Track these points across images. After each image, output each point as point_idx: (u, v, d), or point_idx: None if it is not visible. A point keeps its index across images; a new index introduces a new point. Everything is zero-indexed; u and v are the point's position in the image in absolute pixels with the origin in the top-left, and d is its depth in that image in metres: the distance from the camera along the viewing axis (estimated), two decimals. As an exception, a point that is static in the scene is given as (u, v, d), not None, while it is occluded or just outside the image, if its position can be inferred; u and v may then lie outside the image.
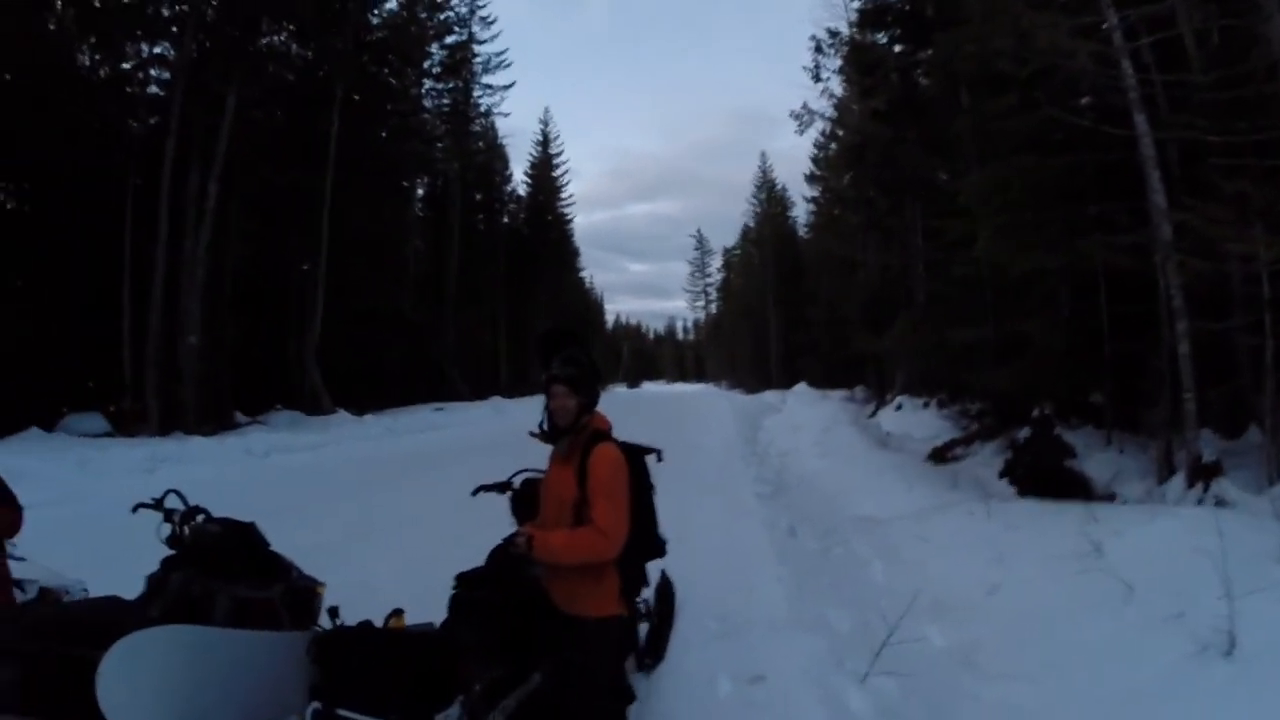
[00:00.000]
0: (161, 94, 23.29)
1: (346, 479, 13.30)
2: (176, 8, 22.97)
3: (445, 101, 41.36)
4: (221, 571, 4.10)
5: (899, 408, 20.97)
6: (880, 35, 22.88)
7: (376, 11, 30.48)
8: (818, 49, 25.17)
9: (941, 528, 8.58)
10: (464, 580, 3.77)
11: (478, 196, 45.11)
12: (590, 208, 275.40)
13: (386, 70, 31.67)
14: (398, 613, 3.96)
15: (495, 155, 47.62)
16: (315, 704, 2.84)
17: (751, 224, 68.02)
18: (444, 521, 8.14)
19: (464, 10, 41.29)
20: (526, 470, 4.25)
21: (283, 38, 25.86)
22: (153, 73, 24.03)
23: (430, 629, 3.66)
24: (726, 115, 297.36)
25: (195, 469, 13.80)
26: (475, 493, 3.89)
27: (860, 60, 23.50)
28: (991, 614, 6.12)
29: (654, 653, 4.88)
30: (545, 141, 55.87)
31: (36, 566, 4.87)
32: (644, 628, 4.86)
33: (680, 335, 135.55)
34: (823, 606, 6.34)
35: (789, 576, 7.00)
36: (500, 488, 4.17)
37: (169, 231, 21.08)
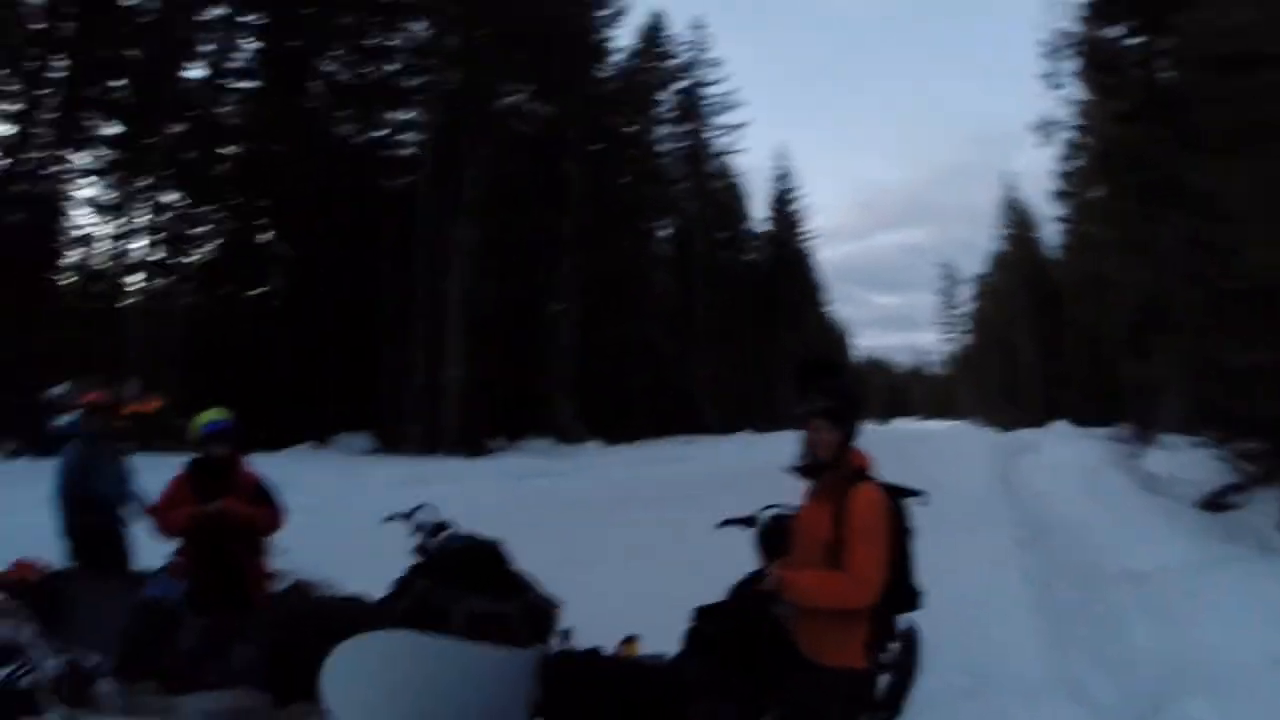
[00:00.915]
0: (413, 154, 25.86)
1: (594, 505, 13.56)
2: (420, 79, 25.55)
3: (682, 145, 42.47)
4: (462, 583, 4.31)
5: (1166, 446, 18.79)
6: (1115, 28, 20.82)
7: (606, 65, 32.03)
8: (1050, 53, 23.30)
9: (1214, 585, 7.52)
10: (703, 614, 3.68)
11: (719, 235, 45.72)
12: (836, 240, 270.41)
13: (621, 119, 33.02)
14: (631, 639, 3.96)
15: (733, 194, 48.20)
16: (534, 724, 2.86)
17: (999, 249, 64.09)
18: (686, 552, 8.03)
19: (689, 55, 42.61)
20: (775, 506, 4.09)
21: (519, 98, 27.79)
22: (402, 137, 27.16)
23: (662, 660, 3.59)
24: (966, 137, 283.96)
25: (450, 487, 14.39)
26: (721, 526, 3.80)
27: (1096, 59, 21.49)
28: (1274, 691, 5.25)
29: (891, 707, 4.53)
30: (782, 176, 55.76)
31: (296, 563, 5.31)
32: (884, 679, 4.55)
33: (930, 370, 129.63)
34: (1081, 669, 5.74)
35: (1044, 632, 6.45)
36: (746, 522, 4.05)
37: (429, 275, 23.22)
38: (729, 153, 45.66)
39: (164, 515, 4.51)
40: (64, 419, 17.17)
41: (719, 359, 41.84)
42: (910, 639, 5.06)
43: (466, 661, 2.85)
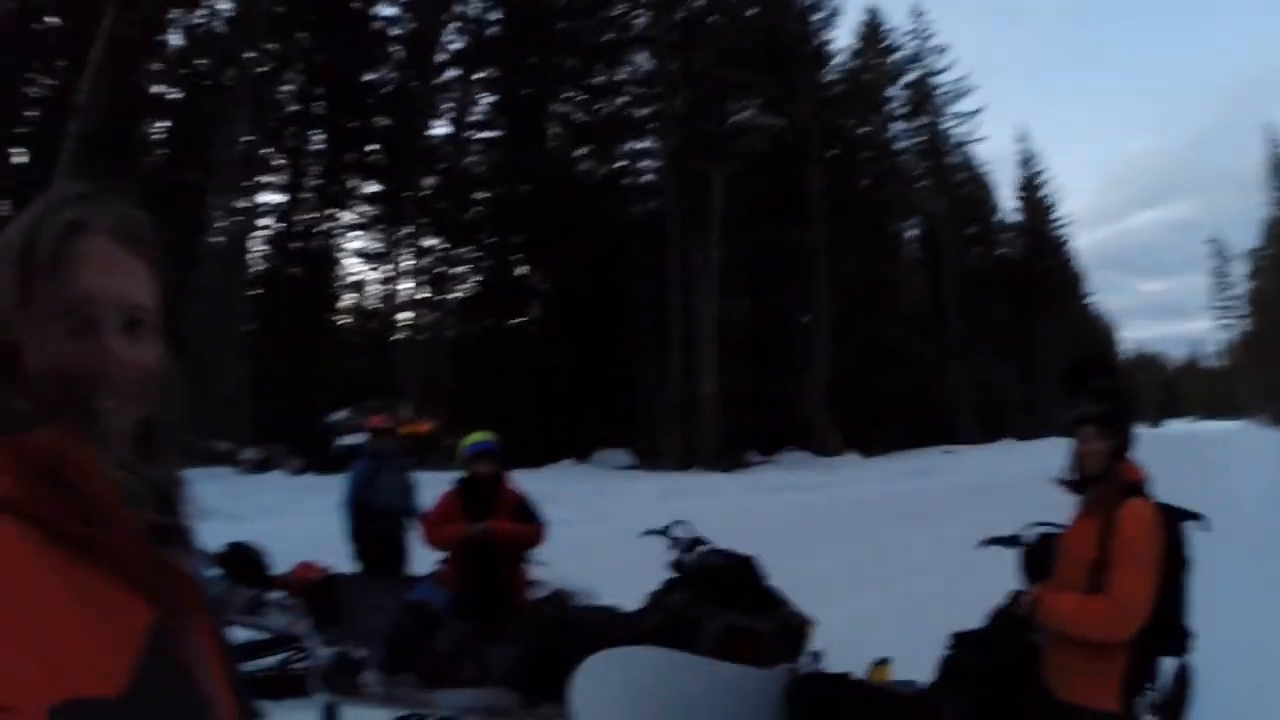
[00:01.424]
0: (653, 180, 26.65)
1: (849, 519, 13.19)
2: (650, 108, 26.39)
3: (919, 140, 40.58)
4: (717, 598, 4.31)
5: None
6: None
7: (830, 68, 31.22)
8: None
9: None
10: (960, 641, 3.41)
11: (968, 230, 43.28)
12: (1091, 224, 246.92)
13: (853, 121, 32.04)
14: (882, 663, 3.76)
15: (979, 185, 45.39)
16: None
17: (1272, 216, 55.27)
18: (944, 571, 7.68)
19: (914, 46, 40.46)
20: (1042, 523, 3.73)
21: (748, 114, 27.71)
22: (641, 164, 28.16)
23: (914, 688, 3.37)
24: (1224, 92, 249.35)
25: (706, 501, 14.56)
26: (982, 545, 3.52)
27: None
28: None
29: None
30: (1027, 161, 51.96)
31: (555, 573, 5.51)
32: None
33: (1206, 362, 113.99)
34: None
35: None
36: (1010, 541, 3.74)
37: (680, 294, 23.74)
38: (968, 142, 43.15)
39: (436, 531, 4.81)
40: (352, 438, 19.39)
41: (974, 362, 39.58)
42: (1181, 681, 4.37)
43: (714, 679, 2.80)
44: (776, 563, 4.85)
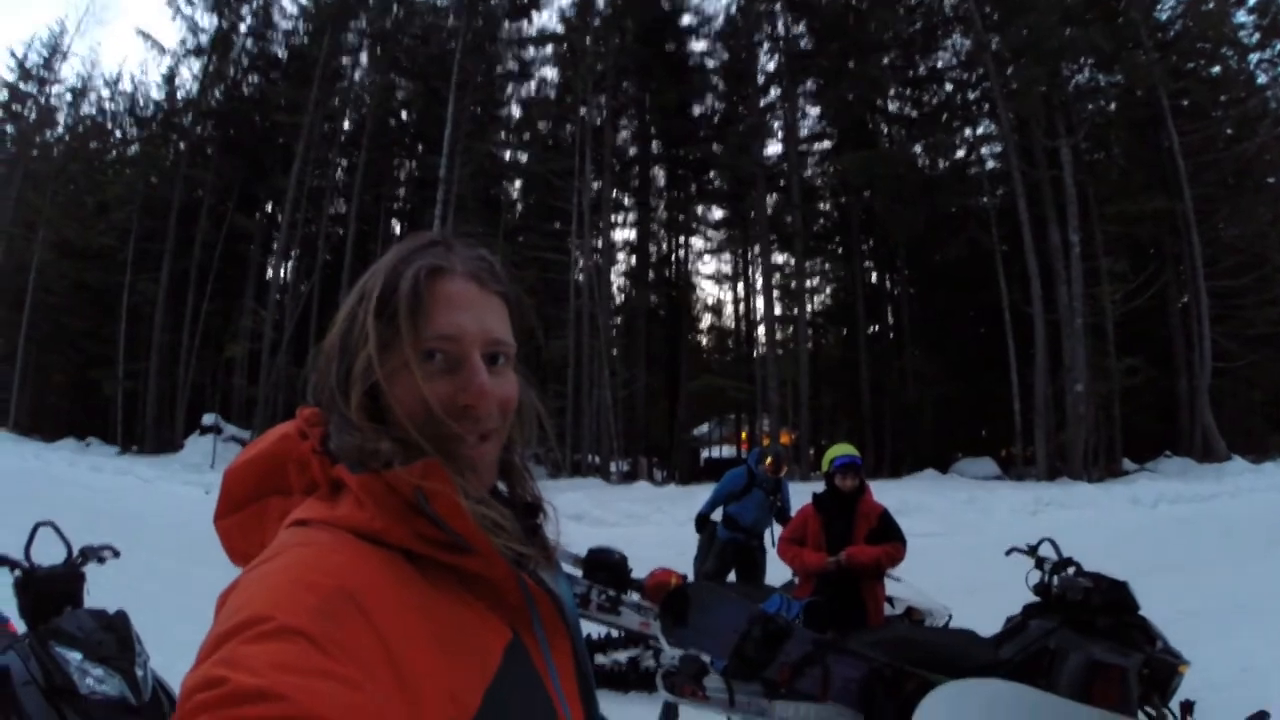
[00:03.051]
0: (999, 167, 25.27)
1: (1238, 539, 11.24)
2: (979, 89, 25.10)
3: None
4: (1083, 628, 4.07)
5: None
6: None
7: (1162, 6, 26.89)
8: None
9: None
10: None
11: None
12: None
13: (1202, 62, 27.34)
14: (1263, 716, 3.34)
15: None
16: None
17: None
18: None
19: None
20: None
21: (1086, 75, 25.17)
22: (984, 150, 26.99)
23: None
24: None
25: (1078, 514, 13.64)
26: None
27: None
28: None
29: None
30: None
31: (909, 588, 5.43)
32: None
33: None
34: None
35: None
36: None
37: (1041, 287, 22.13)
38: None
39: (794, 556, 4.95)
40: (714, 451, 20.36)
41: None
42: None
43: (1065, 722, 2.68)
44: (1151, 589, 4.47)
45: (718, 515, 7.02)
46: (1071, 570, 4.45)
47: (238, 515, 0.86)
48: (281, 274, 28.71)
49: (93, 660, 2.66)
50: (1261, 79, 30.62)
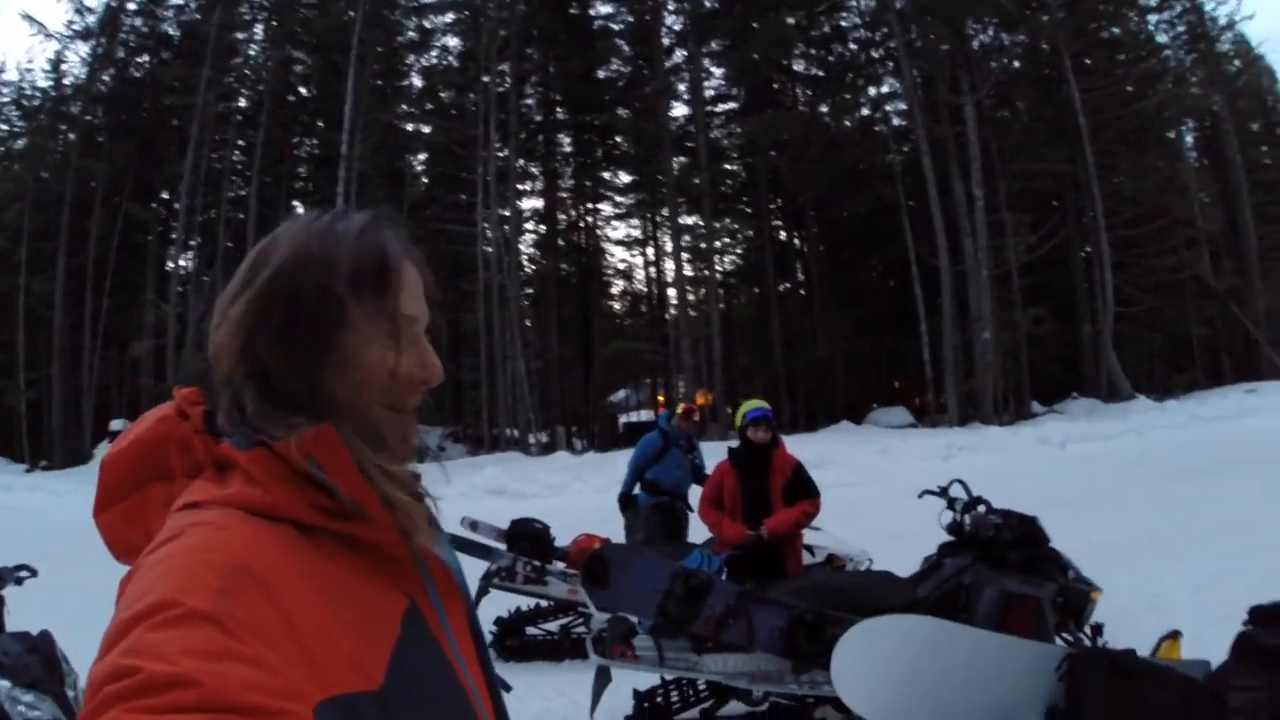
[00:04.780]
0: (904, 124, 25.71)
1: (1146, 472, 11.88)
2: (884, 48, 25.56)
3: (1180, 30, 34.88)
4: (996, 563, 4.19)
5: None
6: None
7: None
8: None
9: None
10: (1260, 617, 3.05)
11: (1254, 126, 36.96)
12: None
13: (1104, 22, 28.43)
14: (1173, 638, 3.45)
15: (1257, 70, 38.38)
16: (1047, 725, 2.63)
17: None
18: (1253, 532, 6.87)
19: None
20: None
21: (990, 34, 25.83)
22: (889, 108, 27.44)
23: (1201, 669, 3.05)
24: None
25: (990, 457, 14.10)
26: None
27: None
28: None
29: None
30: None
31: (829, 536, 5.51)
32: None
33: None
34: None
35: None
36: None
37: (947, 239, 22.71)
38: (1238, 20, 36.00)
39: (718, 526, 4.99)
40: (633, 416, 20.40)
41: (1276, 282, 33.81)
42: None
43: (986, 652, 2.73)
44: (1062, 524, 4.63)
45: (638, 489, 6.95)
46: (982, 509, 4.58)
47: (119, 506, 0.82)
48: (182, 264, 27.51)
49: (21, 686, 2.61)
50: (1161, 39, 31.94)
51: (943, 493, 4.81)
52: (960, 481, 4.84)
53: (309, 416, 0.75)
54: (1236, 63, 36.74)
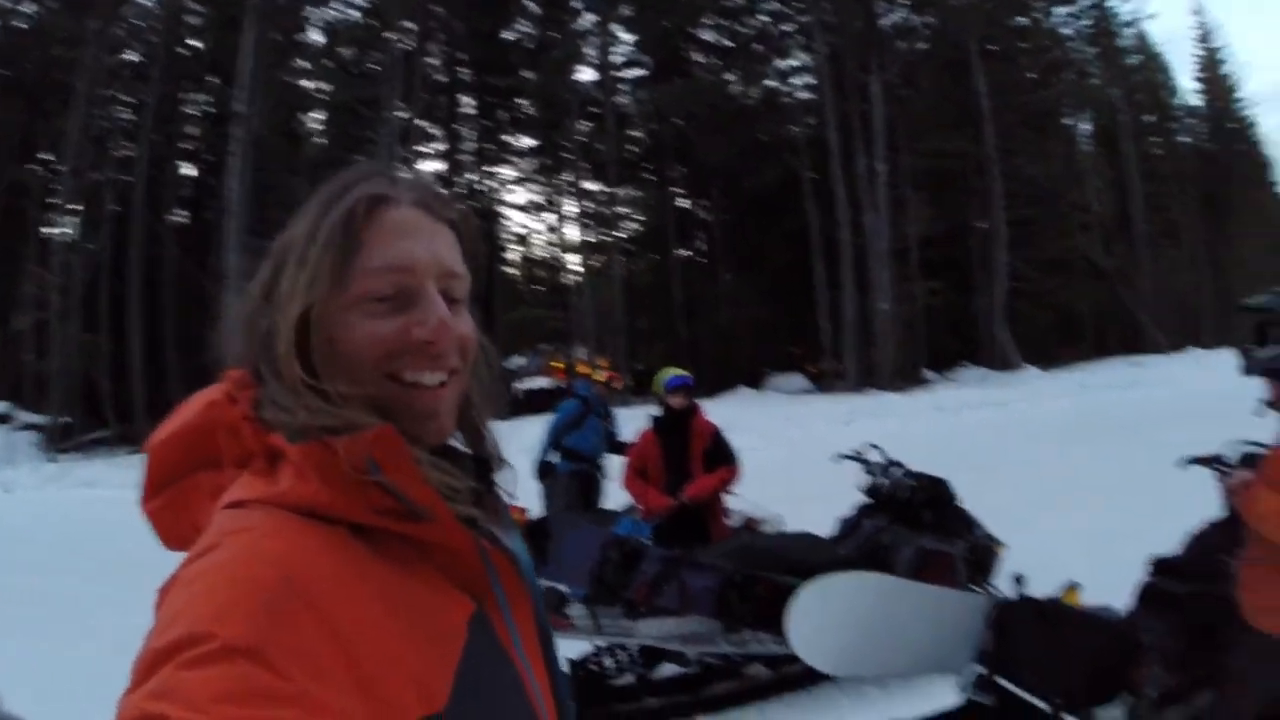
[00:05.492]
0: (812, 98, 26.00)
1: (1036, 437, 12.61)
2: (795, 21, 25.89)
3: (1085, 23, 36.70)
4: (911, 522, 4.42)
5: None
6: None
7: None
8: None
9: None
10: (1159, 568, 3.34)
11: (1148, 119, 39.10)
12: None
13: (1013, 11, 29.61)
14: (1073, 587, 3.72)
15: (1155, 67, 40.77)
16: (978, 668, 2.82)
17: None
18: (1138, 492, 7.31)
19: None
20: (1246, 442, 3.53)
21: (901, 15, 26.47)
22: (798, 81, 27.46)
23: (1112, 615, 3.33)
24: None
25: (887, 423, 14.43)
26: (1185, 465, 3.35)
27: None
28: None
29: None
30: (1205, 36, 45.81)
31: (745, 500, 5.64)
32: None
33: None
34: None
35: None
36: (1213, 462, 3.61)
37: (849, 212, 23.24)
38: (1138, 20, 37.98)
39: (644, 498, 5.04)
40: (535, 383, 20.27)
41: (1165, 264, 36.19)
42: None
43: (920, 603, 2.89)
44: (958, 486, 4.88)
45: (556, 457, 6.93)
46: (896, 471, 4.81)
47: (165, 494, 0.76)
48: (65, 231, 25.77)
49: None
50: (1066, 32, 33.43)
51: (859, 456, 5.03)
52: (876, 446, 5.07)
53: (341, 411, 0.69)
54: (1137, 58, 38.82)
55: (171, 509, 0.76)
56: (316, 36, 27.31)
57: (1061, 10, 33.29)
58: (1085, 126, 36.18)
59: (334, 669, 0.57)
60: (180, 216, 25.50)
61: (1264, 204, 46.07)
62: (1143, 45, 39.88)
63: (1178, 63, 59.63)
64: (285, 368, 0.70)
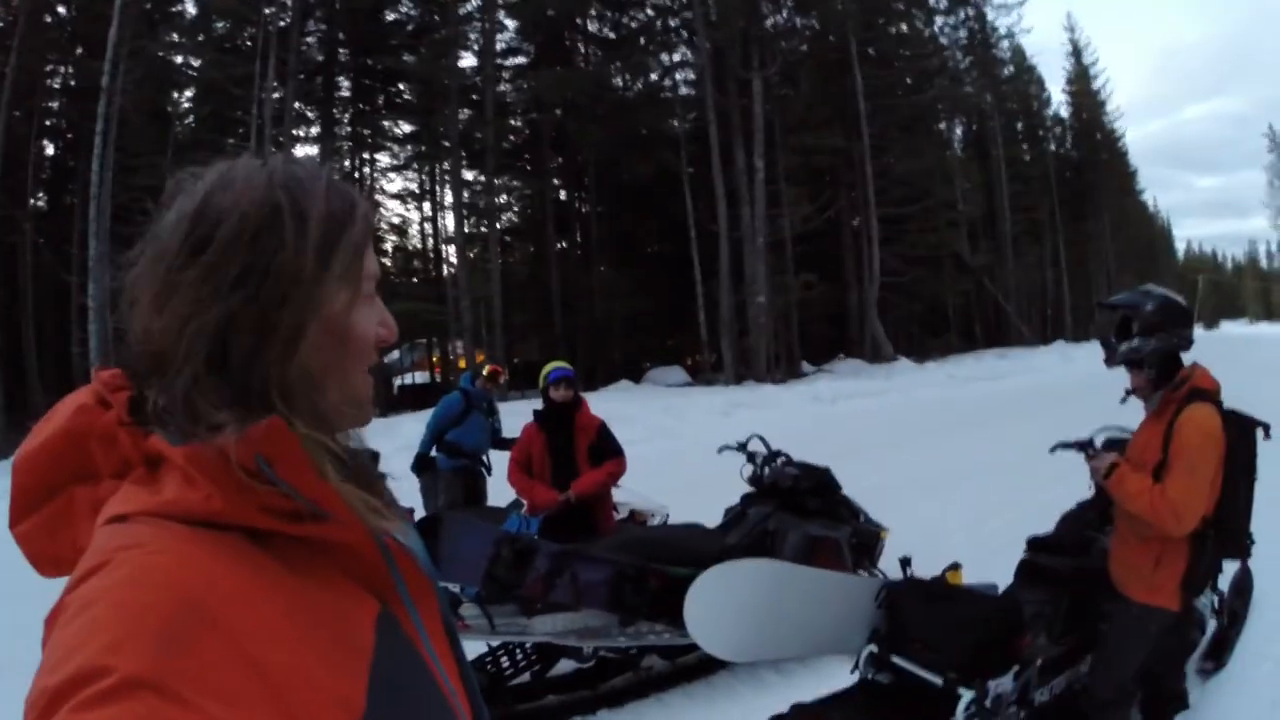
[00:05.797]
0: (693, 93, 26.31)
1: (910, 426, 13.15)
2: (679, 17, 26.19)
3: (961, 35, 38.64)
4: (797, 510, 4.52)
5: None
6: None
7: None
8: None
9: None
10: (1036, 546, 3.54)
11: (1018, 126, 41.52)
12: (1142, 118, 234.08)
13: (893, 18, 30.95)
14: (955, 567, 3.89)
15: (1028, 79, 43.33)
16: (872, 647, 2.91)
17: None
18: (1010, 476, 7.83)
19: None
20: (1110, 428, 3.73)
21: (784, 16, 27.12)
22: (679, 76, 27.79)
23: (994, 591, 3.51)
24: None
25: (767, 414, 14.71)
26: (1053, 450, 3.47)
27: None
28: None
29: (1215, 657, 4.02)
30: (1076, 52, 49.01)
31: (630, 492, 5.62)
32: (1212, 627, 4.05)
33: (1264, 262, 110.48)
34: None
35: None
36: (1080, 447, 3.84)
37: (726, 208, 23.59)
38: (1014, 33, 40.41)
39: (530, 493, 4.91)
40: (409, 378, 19.72)
41: (1030, 262, 38.71)
42: (1243, 583, 4.44)
43: (812, 587, 2.94)
44: (844, 472, 5.03)
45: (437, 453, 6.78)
46: (780, 461, 4.91)
47: (38, 515, 0.68)
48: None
49: None
50: (944, 40, 34.98)
51: (742, 447, 5.11)
52: (760, 436, 5.16)
53: (263, 403, 0.64)
54: (1010, 69, 41.02)
55: (45, 530, 0.68)
56: (189, 8, 25.76)
57: (941, 19, 35.06)
58: (957, 130, 38.03)
59: (245, 690, 0.53)
60: (39, 201, 23.65)
61: (1128, 209, 49.67)
62: (1017, 57, 42.17)
63: (1050, 75, 63.70)
64: (276, 369, 0.67)
